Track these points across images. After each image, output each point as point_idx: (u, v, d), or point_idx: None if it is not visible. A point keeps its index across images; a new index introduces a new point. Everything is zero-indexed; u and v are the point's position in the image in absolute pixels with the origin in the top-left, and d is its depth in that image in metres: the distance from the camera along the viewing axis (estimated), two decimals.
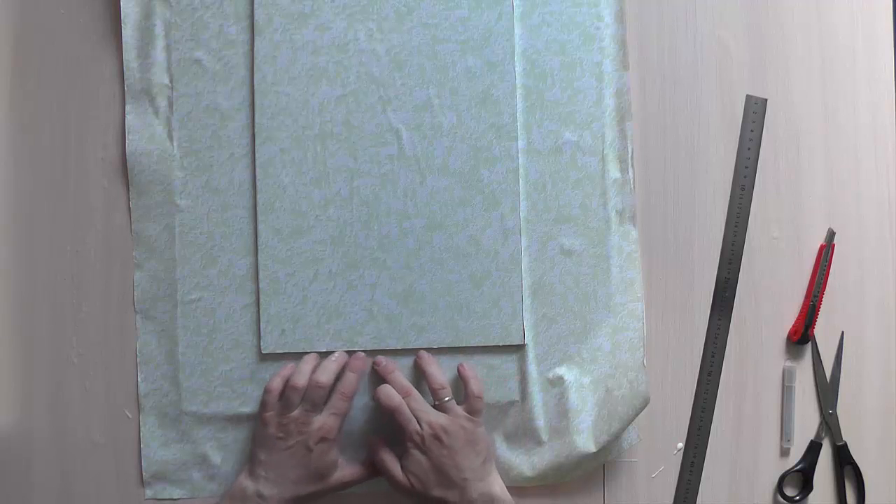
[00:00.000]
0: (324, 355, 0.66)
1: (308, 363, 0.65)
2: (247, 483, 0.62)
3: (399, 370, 0.66)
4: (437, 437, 0.61)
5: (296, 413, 0.62)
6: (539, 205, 0.68)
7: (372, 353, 0.67)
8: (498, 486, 0.63)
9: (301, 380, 0.63)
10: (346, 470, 0.64)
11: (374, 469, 0.65)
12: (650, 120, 0.70)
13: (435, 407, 0.64)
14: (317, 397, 0.62)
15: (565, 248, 0.68)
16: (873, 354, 0.71)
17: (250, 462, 0.64)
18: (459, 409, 0.64)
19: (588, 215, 0.68)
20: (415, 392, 0.64)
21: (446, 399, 0.64)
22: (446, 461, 0.61)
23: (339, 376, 0.65)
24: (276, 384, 0.64)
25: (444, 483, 0.61)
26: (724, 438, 0.70)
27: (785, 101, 0.71)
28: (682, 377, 0.70)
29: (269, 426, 0.63)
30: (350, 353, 0.66)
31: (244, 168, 0.68)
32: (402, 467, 0.63)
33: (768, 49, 0.71)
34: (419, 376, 0.67)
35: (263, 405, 0.63)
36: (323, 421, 0.62)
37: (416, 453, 0.62)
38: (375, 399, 0.63)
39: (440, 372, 0.65)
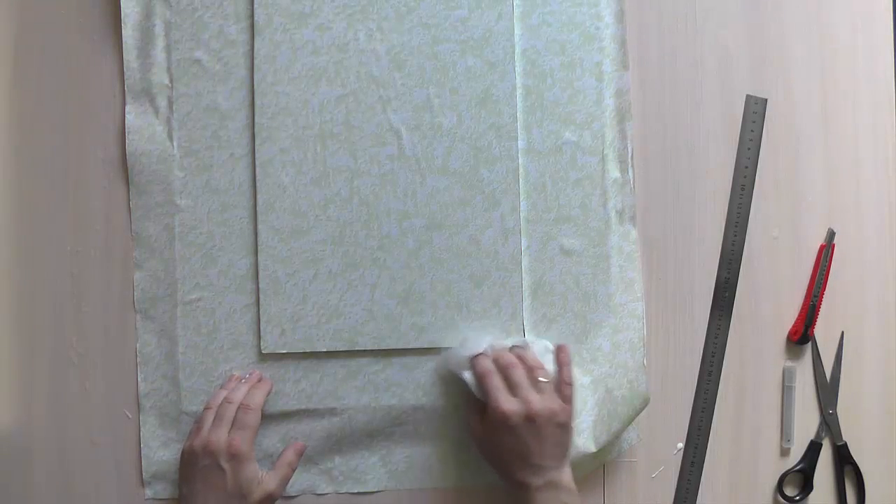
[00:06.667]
0: (323, 355, 0.66)
1: (225, 387, 0.65)
2: None
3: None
4: (529, 418, 0.59)
5: (203, 434, 0.61)
6: (539, 205, 0.68)
7: (372, 353, 0.67)
8: (567, 476, 0.60)
9: (214, 401, 0.63)
10: (268, 482, 0.61)
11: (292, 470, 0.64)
12: (650, 120, 0.70)
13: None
14: (225, 415, 0.62)
15: (565, 248, 0.68)
16: (873, 354, 0.71)
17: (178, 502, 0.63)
18: (556, 396, 0.61)
19: (588, 215, 0.68)
20: (519, 368, 0.62)
21: (544, 381, 0.61)
22: (532, 443, 0.59)
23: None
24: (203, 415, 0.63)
25: (519, 462, 0.59)
26: (724, 438, 0.70)
27: (785, 101, 0.71)
28: (682, 377, 0.70)
29: (182, 456, 0.62)
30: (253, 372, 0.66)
31: (244, 168, 0.68)
32: (480, 429, 0.62)
33: (768, 49, 0.71)
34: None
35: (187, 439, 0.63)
36: (230, 437, 0.61)
37: (501, 428, 0.59)
38: (472, 365, 0.63)
39: (536, 355, 0.64)
